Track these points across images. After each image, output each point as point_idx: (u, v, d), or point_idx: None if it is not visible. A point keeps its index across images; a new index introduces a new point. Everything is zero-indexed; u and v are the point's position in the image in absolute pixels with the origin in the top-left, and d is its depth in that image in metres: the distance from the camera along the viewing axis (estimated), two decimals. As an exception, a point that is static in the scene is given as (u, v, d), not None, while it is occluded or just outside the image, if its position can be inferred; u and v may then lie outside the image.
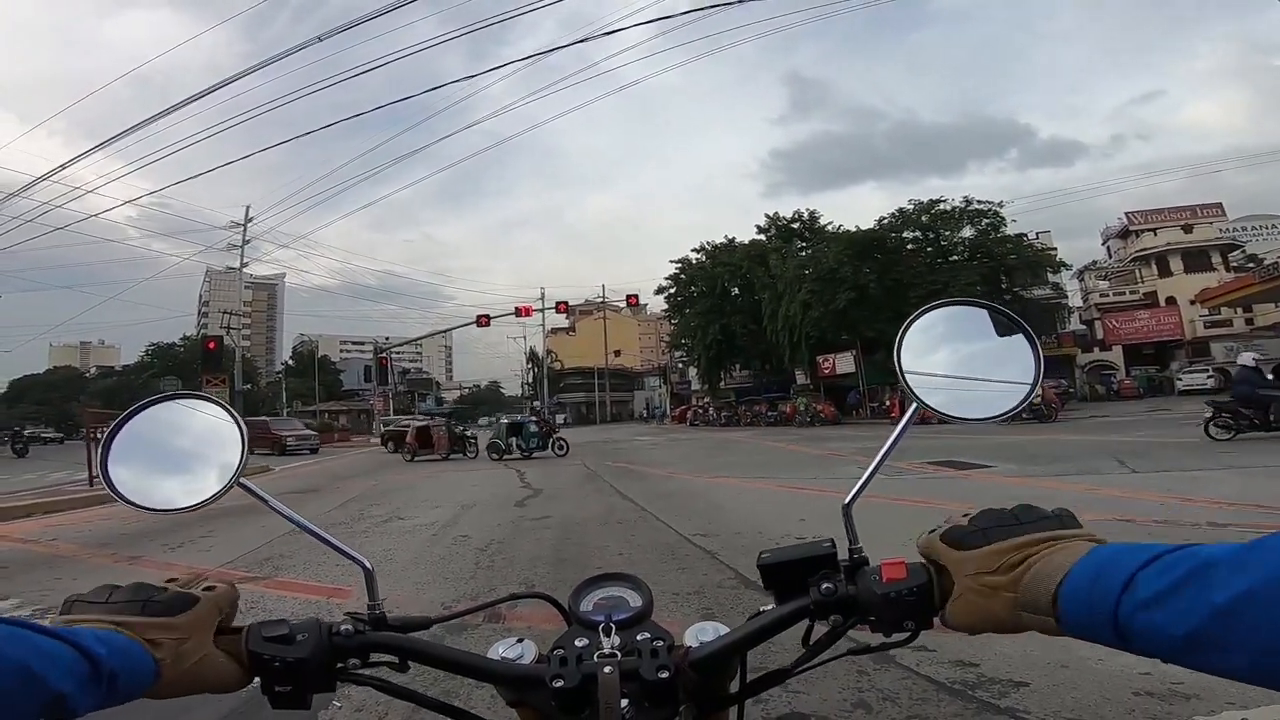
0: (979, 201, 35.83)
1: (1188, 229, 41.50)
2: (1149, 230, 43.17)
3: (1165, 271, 41.37)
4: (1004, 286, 35.40)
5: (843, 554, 0.73)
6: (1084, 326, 42.52)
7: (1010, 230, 35.64)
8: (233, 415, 0.86)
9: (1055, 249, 38.95)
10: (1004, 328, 0.86)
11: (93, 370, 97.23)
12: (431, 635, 0.75)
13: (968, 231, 36.24)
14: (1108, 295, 43.57)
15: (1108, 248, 50.40)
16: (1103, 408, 29.40)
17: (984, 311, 0.87)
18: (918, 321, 0.86)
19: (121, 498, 0.79)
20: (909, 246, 37.06)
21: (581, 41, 19.57)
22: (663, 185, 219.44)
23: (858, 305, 32.99)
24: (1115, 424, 20.25)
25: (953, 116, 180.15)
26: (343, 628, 0.70)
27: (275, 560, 6.28)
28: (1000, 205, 35.60)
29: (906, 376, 0.83)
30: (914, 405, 0.83)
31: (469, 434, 22.76)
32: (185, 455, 0.84)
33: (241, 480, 0.80)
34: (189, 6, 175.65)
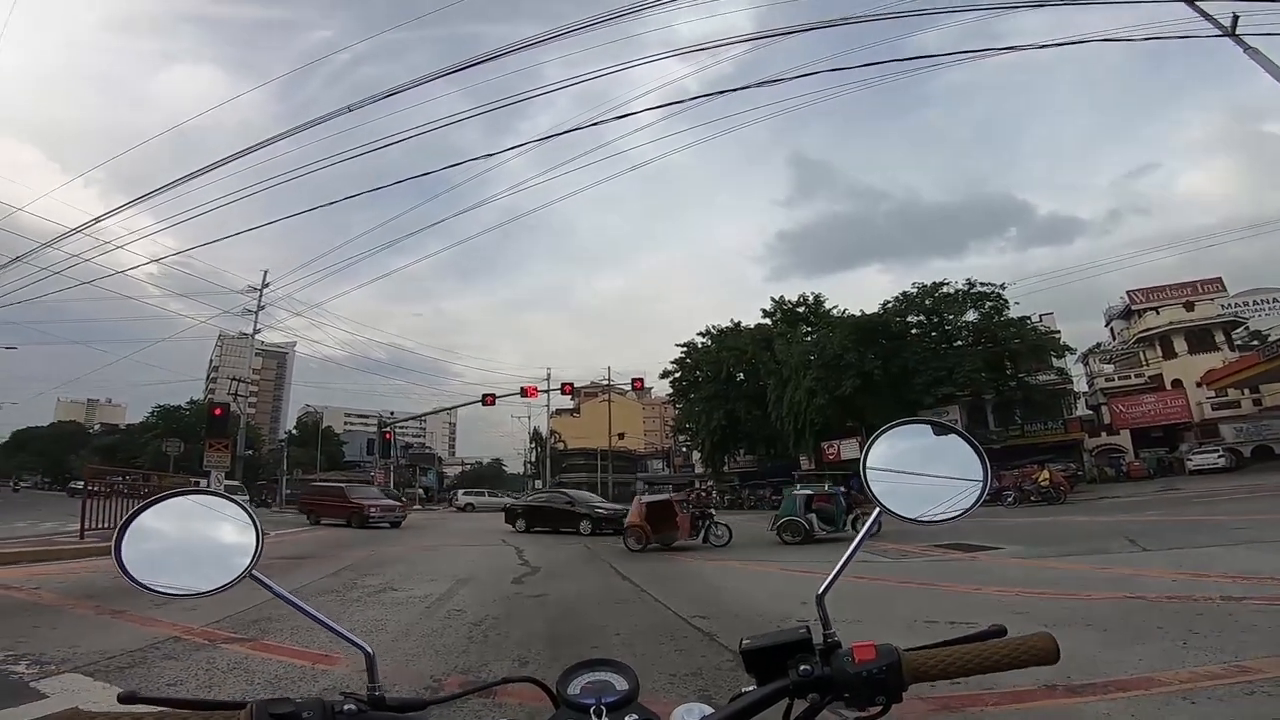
0: (982, 284, 36.16)
1: (1189, 306, 41.67)
2: (1151, 309, 43.38)
3: (1170, 353, 41.29)
4: (1009, 372, 35.35)
5: (818, 639, 0.82)
6: (1091, 411, 42.10)
7: (1013, 313, 35.82)
8: (249, 513, 0.95)
9: (1059, 332, 39.04)
10: (952, 439, 1.01)
11: (97, 427, 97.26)
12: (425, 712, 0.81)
13: (971, 315, 36.43)
14: (1113, 379, 43.33)
15: (1111, 328, 50.51)
16: (1112, 489, 28.87)
17: (927, 426, 1.02)
18: (878, 440, 0.99)
19: (129, 576, 0.86)
20: (913, 331, 37.22)
21: (595, 124, 20.66)
22: (670, 267, 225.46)
23: (863, 392, 32.98)
24: (1124, 504, 20.07)
25: (954, 196, 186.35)
26: (345, 707, 0.75)
27: (262, 623, 6.10)
28: (1002, 287, 35.96)
29: (871, 486, 0.96)
30: (876, 510, 0.96)
31: (711, 512, 15.83)
32: (200, 545, 0.92)
33: (254, 573, 0.88)
34: (229, 65, 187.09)
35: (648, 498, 16.05)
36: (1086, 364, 46.76)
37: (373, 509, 23.47)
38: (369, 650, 0.84)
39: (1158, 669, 4.09)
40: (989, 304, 35.68)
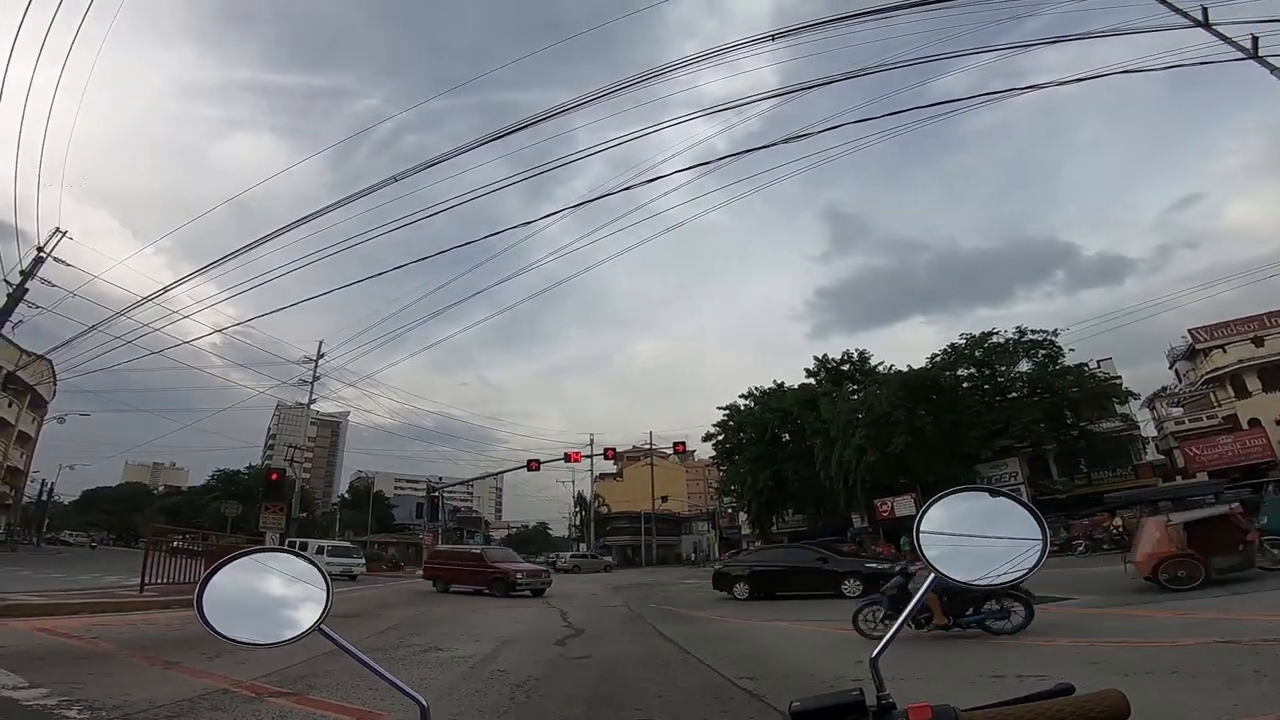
0: (1033, 331, 34.82)
1: (1258, 342, 39.00)
2: (1217, 347, 41.01)
3: (1242, 391, 38.58)
4: (1069, 421, 33.71)
5: (871, 700, 0.81)
6: (1162, 456, 39.57)
7: (1069, 359, 34.21)
8: (321, 571, 1.03)
9: (1119, 377, 36.81)
10: (1008, 505, 1.00)
11: (160, 488, 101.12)
12: None
13: (1024, 365, 34.98)
14: (1183, 422, 40.76)
15: (1176, 370, 47.71)
16: None
17: (984, 492, 1.02)
18: (931, 509, 1.01)
19: (210, 627, 0.94)
20: (964, 385, 35.97)
21: (626, 188, 21.36)
22: (708, 329, 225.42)
23: (915, 448, 31.75)
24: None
25: (994, 242, 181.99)
26: None
27: (309, 678, 6.13)
28: (1055, 334, 34.56)
29: (925, 551, 0.97)
30: (931, 576, 0.96)
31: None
32: (274, 599, 0.99)
33: (323, 628, 0.93)
34: (283, 132, 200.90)
35: (1183, 516, 11.78)
36: (1153, 408, 44.30)
37: (518, 574, 20.63)
38: (424, 703, 0.88)
39: (1255, 713, 3.77)
40: (1042, 352, 34.34)
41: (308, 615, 0.93)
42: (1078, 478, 35.10)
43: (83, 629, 8.63)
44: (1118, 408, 35.61)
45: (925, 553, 0.94)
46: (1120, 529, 22.98)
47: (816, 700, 0.80)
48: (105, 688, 5.17)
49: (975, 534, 0.96)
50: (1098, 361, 36.59)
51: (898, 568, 9.69)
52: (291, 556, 1.02)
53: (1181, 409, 42.96)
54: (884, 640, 0.89)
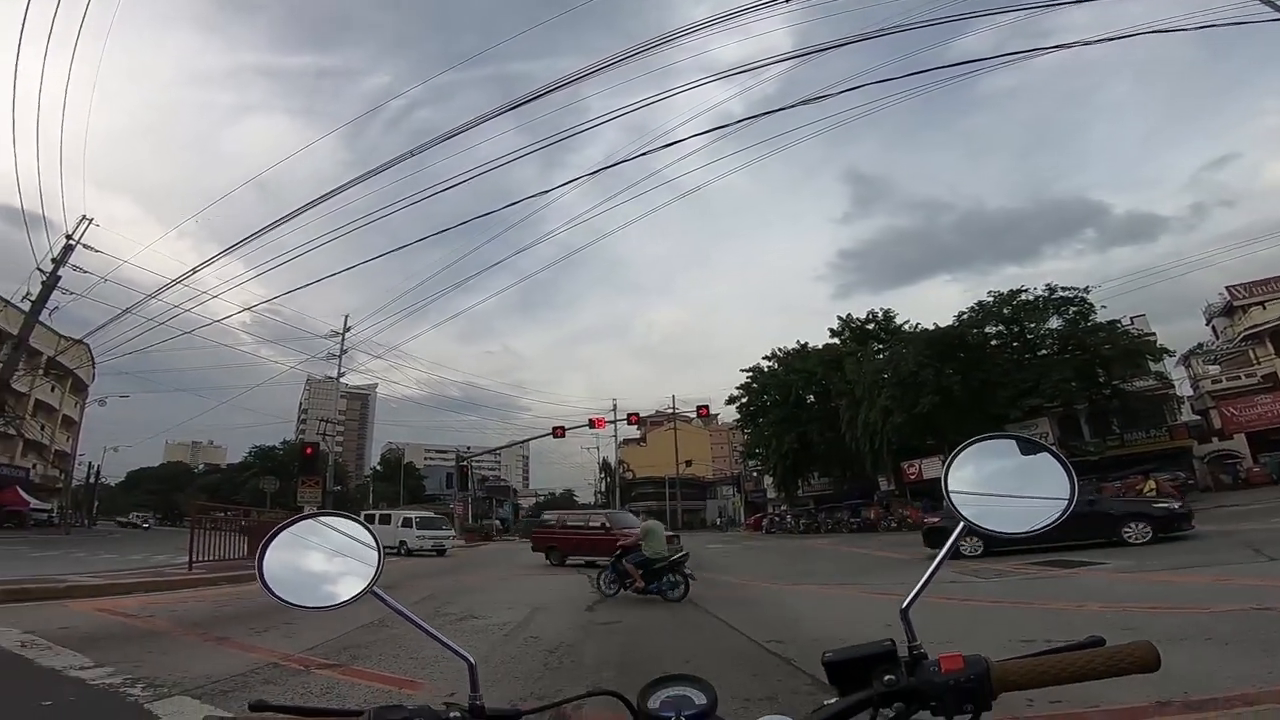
0: (1063, 289, 33.69)
1: None
2: (1256, 304, 39.73)
3: None
4: (1100, 380, 32.98)
5: (903, 652, 0.82)
6: (1197, 416, 38.58)
7: (1101, 317, 33.17)
8: (372, 534, 1.04)
9: (1154, 334, 35.69)
10: (1035, 452, 0.98)
11: (201, 467, 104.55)
12: None
13: (1055, 322, 34.00)
14: (1220, 381, 39.69)
15: (1213, 327, 46.28)
16: (1229, 497, 26.46)
17: (1014, 441, 1.00)
18: (959, 455, 0.99)
19: (270, 591, 0.97)
20: (993, 342, 35.12)
21: (642, 154, 21.06)
22: (730, 293, 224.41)
23: (942, 408, 31.29)
24: (1246, 513, 18.35)
25: (1020, 201, 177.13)
26: (450, 715, 0.82)
27: (352, 649, 6.39)
28: (1086, 291, 33.45)
29: (953, 499, 0.96)
30: (960, 524, 0.95)
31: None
32: (329, 563, 1.01)
33: (375, 590, 0.96)
34: (296, 114, 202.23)
35: None
36: (1188, 366, 43.09)
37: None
38: (471, 661, 0.90)
39: None
40: (1073, 309, 33.29)
41: (361, 578, 0.96)
42: (1110, 438, 34.42)
43: (138, 608, 9.03)
44: (1152, 365, 34.52)
45: (954, 503, 0.94)
46: (1154, 492, 22.62)
47: (849, 651, 0.81)
48: (163, 665, 5.44)
49: (1003, 484, 0.96)
50: (1131, 319, 35.45)
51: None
52: (344, 521, 1.05)
53: (1219, 367, 41.73)
54: (914, 591, 0.89)
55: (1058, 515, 0.92)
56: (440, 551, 26.24)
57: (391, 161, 16.93)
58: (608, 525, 19.37)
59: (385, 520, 28.16)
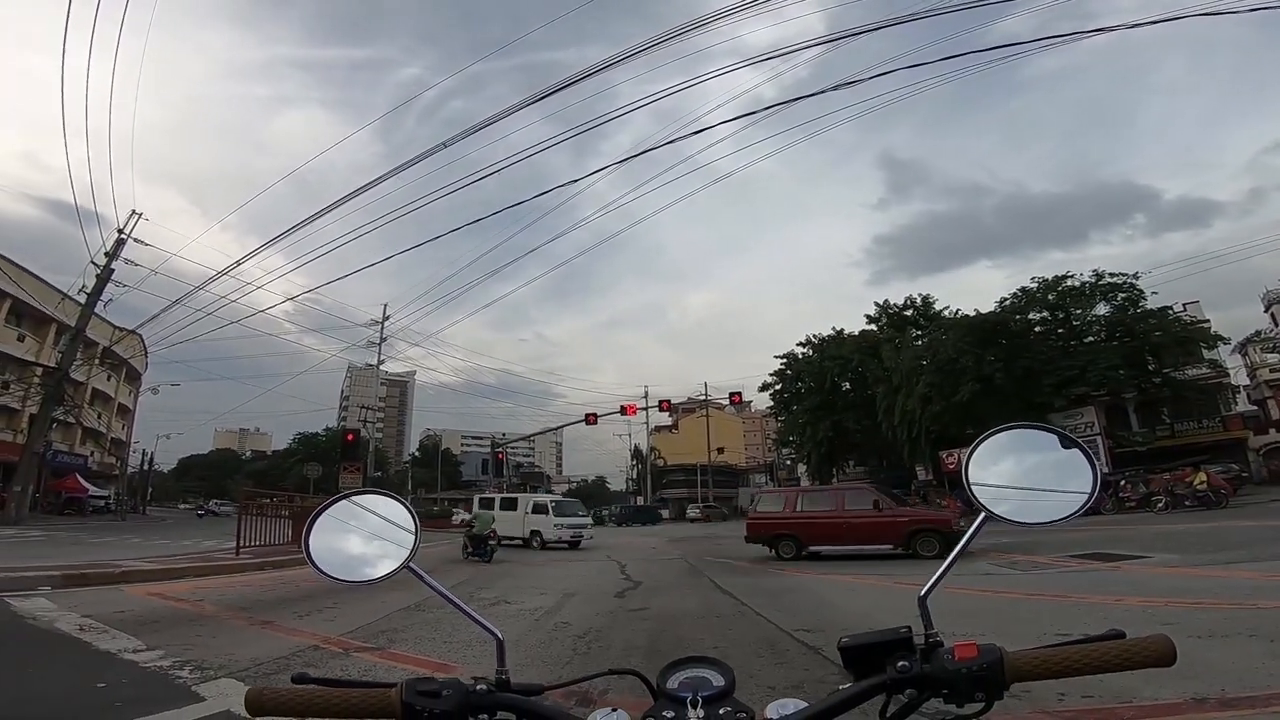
0: (1111, 274, 32.64)
1: None
2: None
3: None
4: (1151, 368, 31.79)
5: (920, 639, 0.82)
6: (1254, 406, 37.03)
7: (1152, 304, 32.08)
8: (410, 511, 1.07)
9: (1208, 321, 34.38)
10: (1060, 441, 0.97)
11: (248, 454, 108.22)
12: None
13: (1102, 309, 33.00)
14: (1279, 370, 38.01)
15: (1272, 314, 44.28)
16: None
17: (1040, 431, 0.99)
18: (982, 445, 0.99)
19: (315, 566, 1.02)
20: (1037, 329, 34.20)
21: (672, 141, 20.89)
22: (764, 279, 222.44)
23: (983, 397, 30.47)
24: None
25: (1065, 185, 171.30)
26: (478, 687, 0.84)
27: (390, 633, 6.59)
28: (1136, 276, 32.35)
29: (974, 489, 0.95)
30: (982, 514, 0.94)
31: None
32: (371, 539, 1.05)
33: (411, 566, 0.99)
34: (332, 105, 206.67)
35: None
36: (1245, 354, 41.27)
37: (954, 521, 14.07)
38: (500, 636, 0.94)
39: None
40: (1121, 295, 32.15)
41: (398, 554, 0.99)
42: (1159, 429, 33.26)
43: (189, 592, 9.42)
44: (1205, 353, 33.16)
45: (974, 492, 0.94)
46: (1205, 485, 21.80)
47: (865, 637, 0.82)
48: (211, 648, 5.68)
49: (1024, 473, 0.95)
50: (1183, 305, 34.05)
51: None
52: (384, 498, 1.08)
53: (1278, 355, 39.87)
54: (933, 579, 0.90)
55: (1078, 507, 0.92)
56: (575, 544, 22.18)
57: (425, 153, 17.20)
58: (880, 504, 14.76)
59: (507, 505, 24.21)
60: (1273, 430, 34.63)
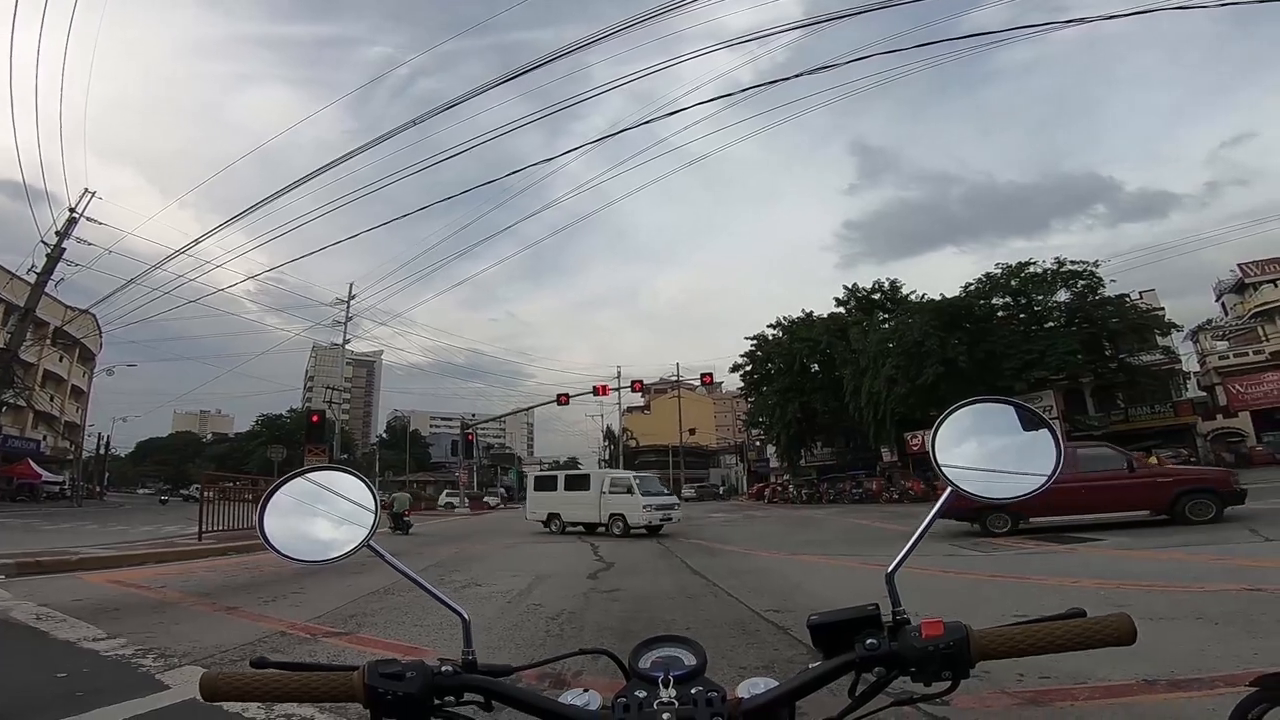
0: (1072, 262, 33.38)
1: None
2: (1268, 281, 39.59)
3: None
4: (1108, 353, 32.83)
5: (887, 616, 0.83)
6: (1203, 393, 38.63)
7: (1110, 291, 33.01)
8: (370, 487, 1.03)
9: (1162, 309, 35.64)
10: (1027, 418, 0.98)
11: (209, 436, 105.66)
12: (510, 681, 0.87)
13: (1062, 295, 33.79)
14: (1227, 357, 39.61)
15: (1223, 304, 46.17)
16: None
17: (1008, 406, 0.99)
18: (949, 417, 0.98)
19: (271, 546, 0.97)
20: (999, 314, 34.90)
21: (646, 123, 20.70)
22: (735, 262, 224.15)
23: (947, 380, 31.07)
24: (1248, 492, 18.14)
25: (1030, 175, 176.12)
26: (444, 669, 0.82)
27: (358, 618, 6.54)
28: (1095, 265, 33.09)
29: (940, 465, 0.95)
30: (948, 489, 0.95)
31: None
32: (328, 517, 1.00)
33: (370, 544, 0.95)
34: (297, 83, 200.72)
35: None
36: (1196, 341, 42.95)
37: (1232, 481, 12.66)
38: (465, 616, 0.91)
39: (1276, 664, 3.78)
40: (1081, 283, 32.98)
41: (358, 533, 0.96)
42: (1114, 413, 34.47)
43: (150, 579, 9.23)
44: (1159, 340, 34.48)
45: (941, 466, 0.94)
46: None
47: (834, 614, 0.83)
48: (175, 635, 5.58)
49: (991, 448, 0.96)
50: (1140, 294, 35.27)
51: None
52: (341, 474, 1.04)
53: (1227, 342, 41.58)
54: (900, 555, 0.90)
55: (1043, 483, 0.92)
56: (657, 528, 18.19)
57: (394, 130, 16.77)
58: (1133, 464, 12.91)
59: (574, 485, 20.54)
60: (1220, 416, 36.14)
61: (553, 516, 20.50)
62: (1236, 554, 8.24)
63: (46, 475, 41.80)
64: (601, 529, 19.15)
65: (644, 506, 18.37)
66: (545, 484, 21.89)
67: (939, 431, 0.96)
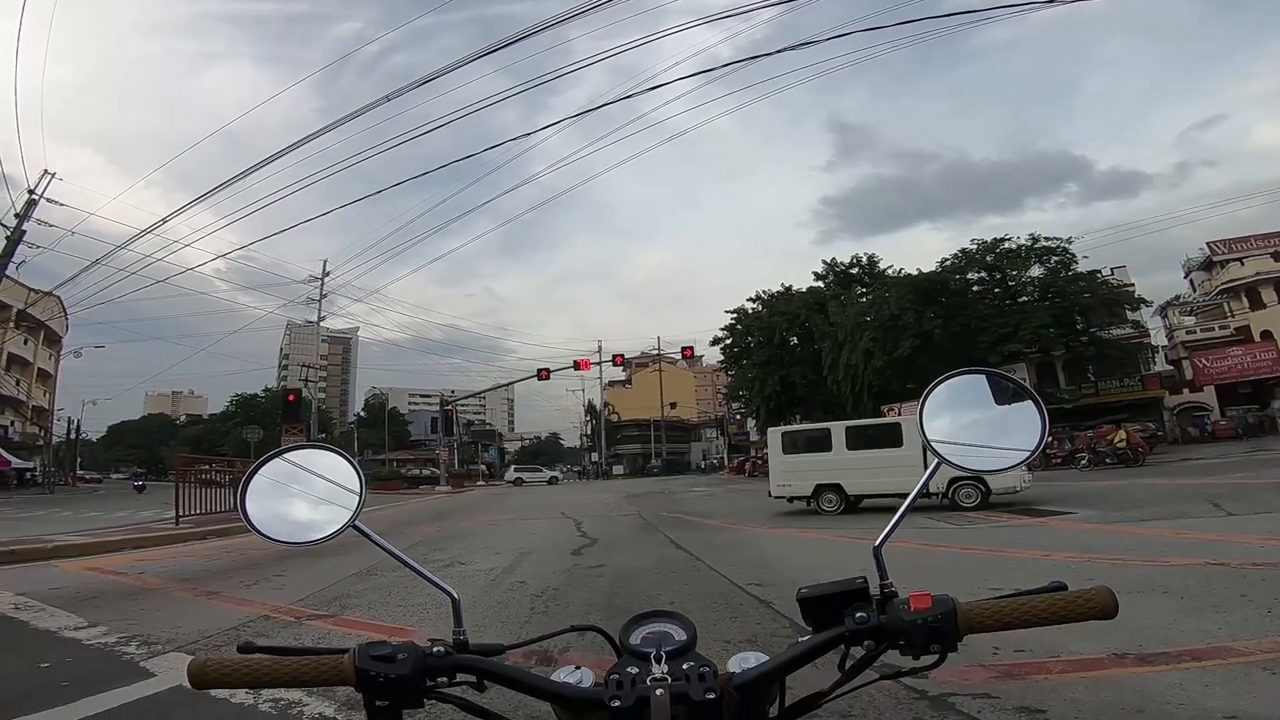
0: (1046, 238, 34.13)
1: (1278, 256, 38.79)
2: (1235, 260, 40.54)
3: (1257, 304, 38.52)
4: (1079, 327, 33.51)
5: (875, 589, 0.83)
6: (1170, 367, 39.67)
7: (1082, 267, 33.76)
8: (354, 466, 1.01)
9: (1132, 285, 36.65)
10: (1010, 389, 0.98)
11: (182, 418, 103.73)
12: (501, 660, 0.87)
13: (1036, 270, 34.45)
14: (1195, 332, 40.69)
15: (1191, 280, 47.27)
16: (1196, 450, 27.33)
17: (992, 377, 1.00)
18: (936, 389, 0.99)
19: (254, 529, 0.95)
20: (974, 288, 35.45)
21: (627, 98, 20.36)
22: (715, 236, 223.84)
23: (923, 352, 31.65)
24: (1209, 466, 18.85)
25: (1005, 154, 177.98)
26: (435, 649, 0.81)
27: (342, 599, 6.53)
28: (1069, 241, 33.87)
29: (929, 437, 0.96)
30: (936, 461, 0.95)
31: None
32: (312, 497, 0.98)
33: (356, 524, 0.94)
34: (264, 61, 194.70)
35: None
36: (1165, 317, 43.97)
37: None
38: (455, 596, 0.91)
39: (1238, 638, 3.92)
40: (1054, 259, 33.69)
41: (342, 513, 0.94)
42: (1085, 387, 35.28)
43: (128, 566, 9.11)
44: (1129, 315, 35.27)
45: (929, 437, 0.95)
46: (1125, 443, 23.14)
47: (823, 588, 0.83)
48: (156, 622, 5.54)
49: (976, 419, 0.96)
50: (1111, 270, 35.99)
51: None
52: (324, 453, 1.02)
53: (1194, 318, 42.63)
54: (887, 529, 0.91)
55: (1029, 453, 0.94)
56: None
57: (367, 106, 16.33)
58: None
59: (869, 439, 14.34)
60: (1186, 390, 37.10)
61: (824, 490, 14.33)
62: (1198, 528, 8.43)
63: (16, 462, 40.86)
64: (938, 498, 12.85)
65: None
66: (809, 442, 15.21)
67: (926, 403, 0.97)
